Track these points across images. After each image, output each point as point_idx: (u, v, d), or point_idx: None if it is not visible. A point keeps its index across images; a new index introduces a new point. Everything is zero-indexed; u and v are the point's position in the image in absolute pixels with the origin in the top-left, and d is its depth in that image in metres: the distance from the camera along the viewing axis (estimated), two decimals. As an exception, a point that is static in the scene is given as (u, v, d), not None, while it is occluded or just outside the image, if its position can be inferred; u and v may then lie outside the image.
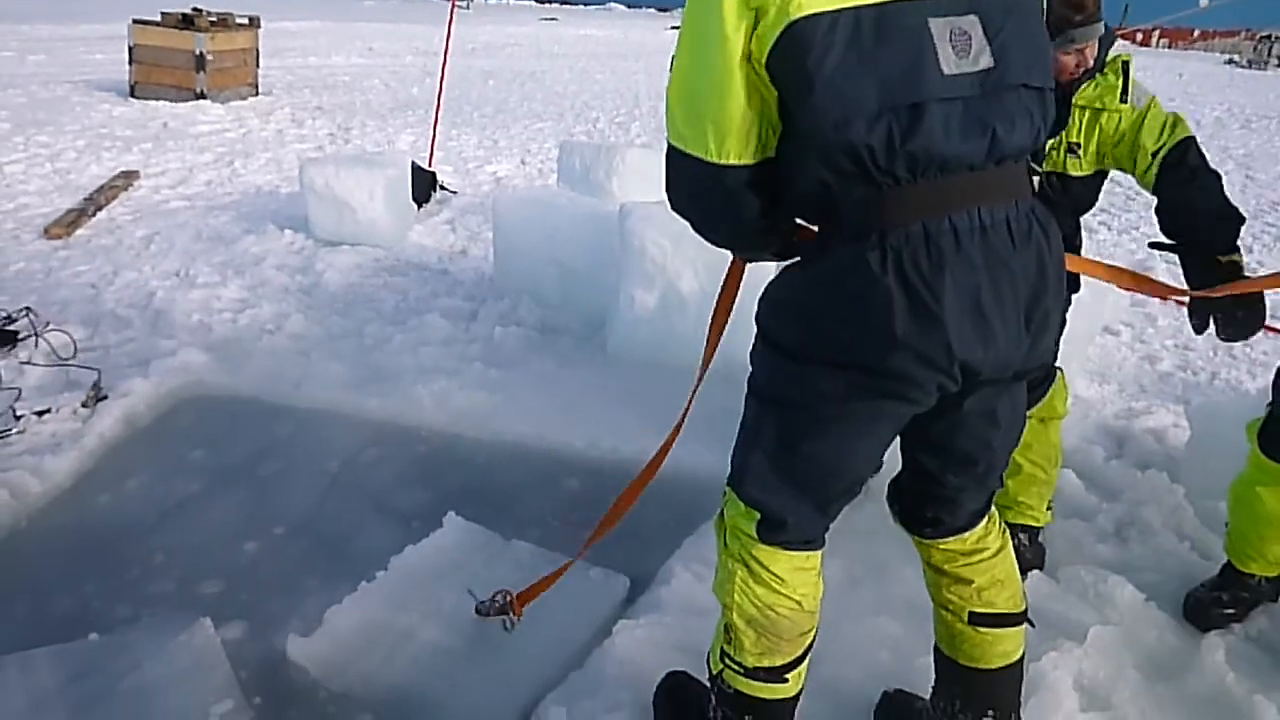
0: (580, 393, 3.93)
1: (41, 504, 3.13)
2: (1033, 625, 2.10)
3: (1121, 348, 4.91)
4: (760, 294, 1.83)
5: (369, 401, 3.86)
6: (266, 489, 3.31)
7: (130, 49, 10.93)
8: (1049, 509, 2.99)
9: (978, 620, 2.00)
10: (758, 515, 1.84)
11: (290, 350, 4.28)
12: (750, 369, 1.86)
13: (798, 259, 1.83)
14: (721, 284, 2.18)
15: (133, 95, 10.90)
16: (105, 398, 3.67)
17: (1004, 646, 2.02)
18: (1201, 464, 3.22)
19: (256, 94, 11.66)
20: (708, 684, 2.06)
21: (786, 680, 1.93)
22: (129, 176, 7.35)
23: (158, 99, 10.75)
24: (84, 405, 3.61)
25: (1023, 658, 2.06)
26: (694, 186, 1.75)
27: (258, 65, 11.84)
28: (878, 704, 2.26)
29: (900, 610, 2.63)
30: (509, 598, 2.54)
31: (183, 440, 3.60)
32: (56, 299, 4.73)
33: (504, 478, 3.44)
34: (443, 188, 7.21)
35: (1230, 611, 2.70)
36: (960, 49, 1.59)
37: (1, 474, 3.13)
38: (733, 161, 1.66)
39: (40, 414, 3.51)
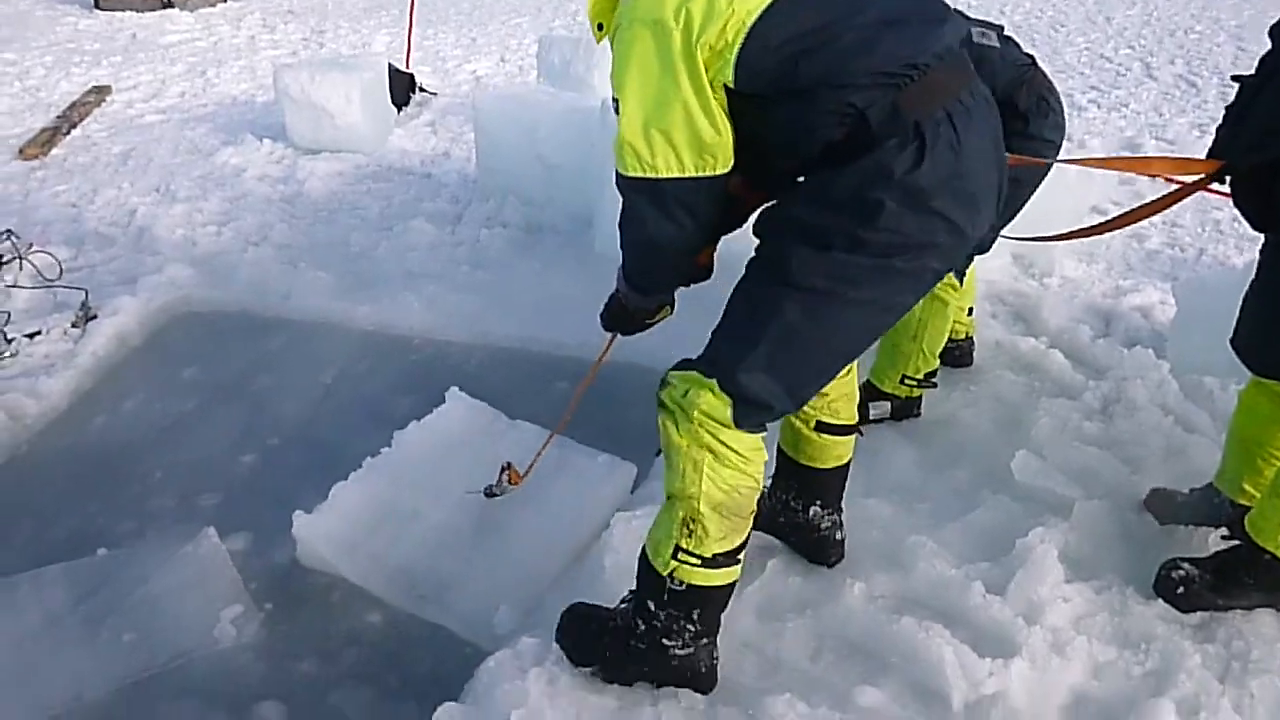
0: (569, 292, 3.92)
1: (40, 425, 3.16)
2: (861, 434, 2.41)
3: (1110, 226, 4.88)
4: (784, 200, 1.88)
5: (358, 309, 3.87)
6: (261, 401, 3.34)
7: (91, -43, 10.60)
8: (903, 381, 3.03)
9: (823, 428, 2.29)
10: (732, 401, 1.86)
11: (276, 261, 4.26)
12: (764, 263, 1.88)
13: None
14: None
15: (98, 7, 10.60)
16: (95, 317, 3.67)
17: (839, 451, 2.34)
18: (1187, 339, 3.24)
19: (225, 0, 11.34)
20: (637, 593, 2.07)
21: (739, 561, 2.01)
22: (101, 92, 7.20)
23: (124, 9, 10.46)
24: (74, 325, 3.61)
25: (849, 461, 2.38)
26: (669, 204, 1.85)
27: (225, -31, 11.49)
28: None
29: (889, 492, 2.70)
30: (509, 469, 2.63)
31: (176, 356, 3.62)
32: (37, 220, 4.69)
33: (496, 380, 3.46)
34: (422, 89, 7.06)
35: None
36: None
37: (-2, 397, 3.15)
38: (714, 173, 1.81)
39: (31, 336, 3.52)
